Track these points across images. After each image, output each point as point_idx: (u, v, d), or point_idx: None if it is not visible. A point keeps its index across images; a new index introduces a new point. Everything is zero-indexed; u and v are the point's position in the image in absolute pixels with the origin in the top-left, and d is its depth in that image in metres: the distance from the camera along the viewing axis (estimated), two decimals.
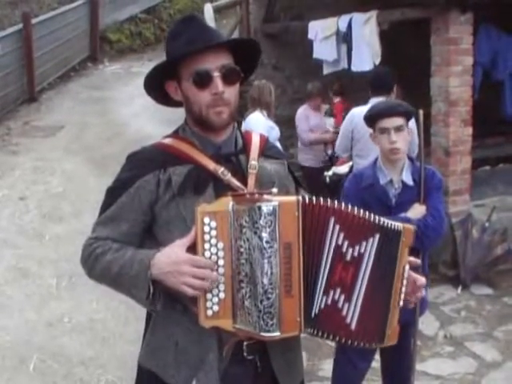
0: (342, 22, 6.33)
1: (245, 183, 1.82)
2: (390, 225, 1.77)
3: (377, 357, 3.27)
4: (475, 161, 5.92)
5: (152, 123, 8.73)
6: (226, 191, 1.73)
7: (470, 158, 5.71)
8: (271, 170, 1.91)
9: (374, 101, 4.19)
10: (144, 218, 1.82)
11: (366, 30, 6.01)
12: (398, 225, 1.79)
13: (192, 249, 1.67)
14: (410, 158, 3.08)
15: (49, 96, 10.74)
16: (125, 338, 4.49)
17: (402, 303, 1.83)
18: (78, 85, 11.38)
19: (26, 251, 5.80)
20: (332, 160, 6.29)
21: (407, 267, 1.83)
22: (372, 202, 2.88)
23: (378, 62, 5.96)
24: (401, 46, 7.03)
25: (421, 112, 3.02)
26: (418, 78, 5.99)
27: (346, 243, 1.70)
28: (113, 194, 1.85)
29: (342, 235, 1.69)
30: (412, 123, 3.19)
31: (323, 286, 1.69)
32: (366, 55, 6.08)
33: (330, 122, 6.88)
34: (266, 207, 1.59)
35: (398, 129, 2.96)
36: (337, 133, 5.52)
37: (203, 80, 1.77)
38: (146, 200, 1.80)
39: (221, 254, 1.66)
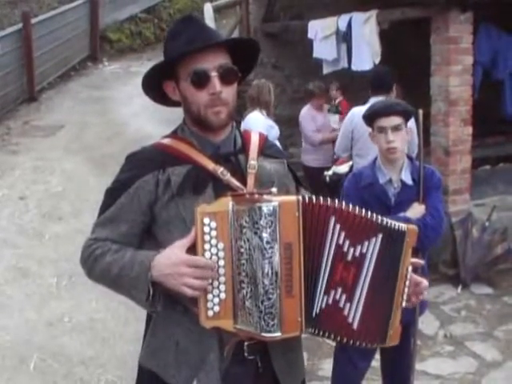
0: (342, 21, 6.33)
1: (244, 183, 1.81)
2: (393, 225, 1.77)
3: (377, 356, 3.27)
4: (475, 160, 5.91)
5: (151, 123, 8.73)
6: (225, 191, 1.73)
7: (470, 158, 5.71)
8: (271, 169, 1.90)
9: (374, 100, 4.18)
10: (143, 219, 1.82)
11: (366, 29, 6.02)
12: (402, 225, 1.79)
13: (192, 249, 1.66)
14: (410, 158, 3.08)
15: (49, 95, 10.74)
16: (125, 337, 4.49)
17: (404, 304, 1.83)
18: (77, 84, 11.38)
19: (25, 251, 5.80)
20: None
21: (410, 268, 1.83)
22: (371, 202, 2.88)
23: (377, 61, 5.96)
24: (401, 45, 7.03)
25: (420, 111, 3.02)
26: (417, 78, 5.99)
27: (347, 243, 1.70)
28: (112, 194, 1.84)
29: (342, 235, 1.69)
30: (412, 123, 3.19)
31: (324, 285, 1.68)
32: (366, 54, 6.08)
33: (334, 118, 6.82)
34: (266, 207, 1.59)
35: (396, 128, 2.96)
36: None
37: (201, 80, 1.76)
38: (145, 200, 1.80)
39: (221, 254, 1.66)
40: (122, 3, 13.72)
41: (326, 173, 5.74)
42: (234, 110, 1.84)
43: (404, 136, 3.00)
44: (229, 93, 1.79)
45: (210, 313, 1.66)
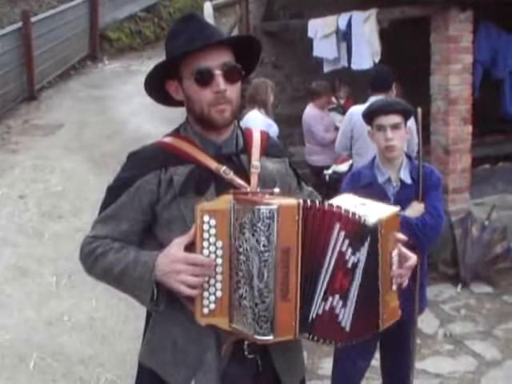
0: (342, 20, 6.32)
1: (247, 183, 1.80)
2: (364, 220, 1.71)
3: (376, 355, 3.26)
4: (475, 159, 5.91)
5: (151, 121, 8.73)
6: (227, 191, 1.71)
7: (470, 157, 5.71)
8: (273, 169, 1.90)
9: (373, 99, 4.19)
10: (144, 218, 1.81)
11: (366, 28, 6.01)
12: (369, 219, 1.72)
13: (191, 247, 1.66)
14: (408, 157, 3.07)
15: (48, 94, 10.73)
16: (124, 336, 4.49)
17: (394, 287, 1.81)
18: (77, 83, 11.36)
19: (25, 250, 5.80)
20: None
21: (395, 252, 1.80)
22: None
23: (377, 60, 5.96)
24: (400, 44, 7.03)
25: (419, 110, 3.02)
26: (417, 76, 5.99)
27: (349, 251, 1.68)
28: (113, 193, 1.84)
29: (346, 242, 1.67)
30: (411, 123, 3.19)
31: (323, 291, 1.66)
32: (366, 53, 6.07)
33: (339, 118, 6.80)
34: (265, 210, 1.57)
35: (395, 126, 2.95)
36: None
37: (205, 78, 1.75)
38: (146, 200, 1.79)
39: (219, 252, 1.65)
40: (121, 2, 13.71)
41: (325, 171, 5.74)
42: (238, 108, 1.83)
43: (403, 135, 3.00)
44: (233, 91, 1.78)
45: (206, 310, 1.66)
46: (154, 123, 8.50)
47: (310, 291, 1.65)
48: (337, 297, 1.68)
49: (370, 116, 3.07)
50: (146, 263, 1.70)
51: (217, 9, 8.41)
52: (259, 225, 1.57)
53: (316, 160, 6.54)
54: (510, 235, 5.59)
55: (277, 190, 1.67)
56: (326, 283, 1.66)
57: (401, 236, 1.83)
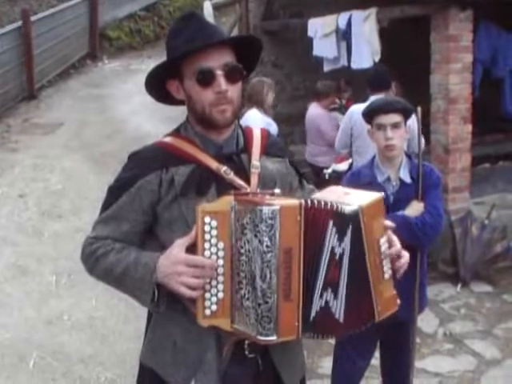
0: (342, 19, 6.32)
1: (247, 183, 1.80)
2: (343, 209, 1.69)
3: (376, 354, 3.26)
4: (475, 158, 5.91)
5: (151, 120, 8.73)
6: (228, 191, 1.71)
7: (470, 156, 5.70)
8: (273, 169, 1.89)
9: (373, 98, 4.19)
10: (145, 219, 1.81)
11: (366, 27, 6.01)
12: (351, 209, 1.70)
13: (192, 249, 1.66)
14: (408, 156, 3.07)
15: (48, 93, 10.73)
16: (124, 335, 4.49)
17: (387, 276, 1.78)
18: (77, 82, 11.37)
19: (25, 249, 5.80)
20: None
21: (383, 239, 1.77)
22: None
23: (377, 59, 5.96)
24: (400, 43, 7.03)
25: (419, 109, 3.02)
26: (417, 76, 5.99)
27: (337, 244, 1.67)
28: (114, 193, 1.83)
29: (336, 236, 1.67)
30: (412, 122, 3.18)
31: (320, 288, 1.66)
32: (366, 53, 6.07)
33: (342, 118, 6.78)
34: (267, 211, 1.57)
35: (395, 125, 2.95)
36: None
37: (206, 78, 1.75)
38: (147, 200, 1.79)
39: (221, 253, 1.65)
40: (121, 1, 13.70)
41: (325, 170, 5.74)
42: (239, 108, 1.83)
43: (403, 134, 3.00)
44: (234, 91, 1.78)
45: (208, 311, 1.66)
46: (154, 122, 8.50)
47: (310, 290, 1.65)
48: (329, 290, 1.67)
49: (369, 115, 3.07)
50: (147, 264, 1.70)
51: (216, 8, 8.41)
52: (261, 225, 1.57)
53: (320, 161, 6.50)
54: (510, 234, 5.59)
55: (277, 190, 1.67)
56: (322, 279, 1.66)
57: (388, 223, 1.81)
